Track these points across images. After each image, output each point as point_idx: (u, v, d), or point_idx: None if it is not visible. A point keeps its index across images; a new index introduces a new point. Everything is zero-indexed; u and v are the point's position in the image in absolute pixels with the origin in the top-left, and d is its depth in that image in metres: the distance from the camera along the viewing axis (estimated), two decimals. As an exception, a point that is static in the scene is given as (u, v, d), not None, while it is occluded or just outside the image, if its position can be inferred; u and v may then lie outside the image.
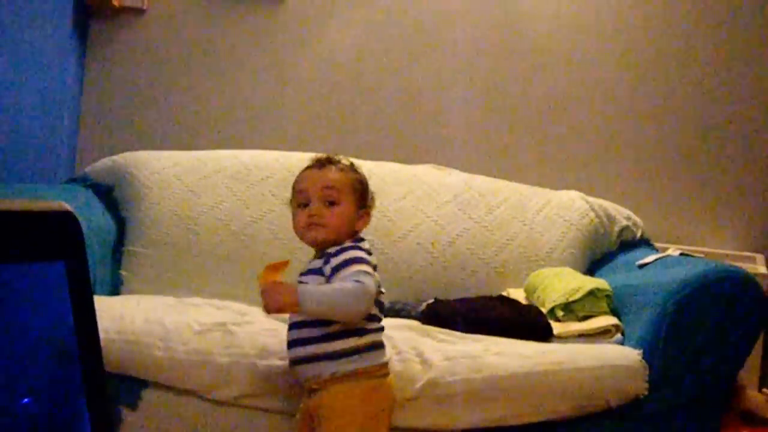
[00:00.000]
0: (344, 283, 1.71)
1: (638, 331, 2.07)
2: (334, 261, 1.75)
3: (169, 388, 1.96)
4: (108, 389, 1.95)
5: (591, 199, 2.77)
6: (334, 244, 1.78)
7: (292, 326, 1.80)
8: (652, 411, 1.96)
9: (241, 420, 1.94)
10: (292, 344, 1.79)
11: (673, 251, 2.42)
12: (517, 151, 3.21)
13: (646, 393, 1.94)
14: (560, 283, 2.37)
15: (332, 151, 2.03)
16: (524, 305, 2.37)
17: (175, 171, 2.69)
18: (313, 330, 1.75)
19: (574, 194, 2.79)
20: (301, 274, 1.81)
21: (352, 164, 1.89)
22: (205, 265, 2.56)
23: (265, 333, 2.01)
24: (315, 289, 1.74)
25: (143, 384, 1.97)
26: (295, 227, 1.84)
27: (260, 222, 2.62)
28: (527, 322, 2.22)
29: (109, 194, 2.66)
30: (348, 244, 1.79)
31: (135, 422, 1.97)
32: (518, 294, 2.51)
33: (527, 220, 2.71)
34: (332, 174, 1.82)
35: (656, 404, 1.96)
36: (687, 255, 2.39)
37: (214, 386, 1.93)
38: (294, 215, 1.84)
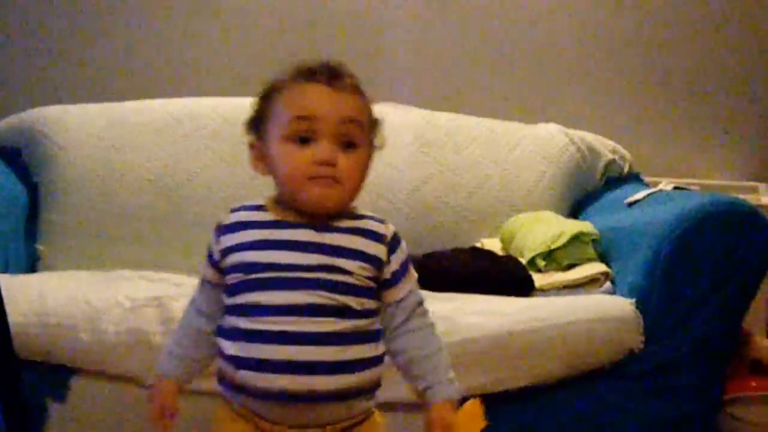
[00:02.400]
0: (423, 319, 1.42)
1: (630, 277, 2.09)
2: (396, 260, 1.40)
3: (100, 375, 1.96)
4: (28, 379, 1.94)
5: (571, 131, 2.77)
6: (341, 206, 1.39)
7: (291, 337, 1.32)
8: (650, 366, 1.99)
9: (187, 405, 1.92)
10: (293, 368, 1.32)
11: (665, 185, 2.42)
12: (483, 80, 3.16)
13: (642, 347, 1.97)
14: (540, 229, 2.39)
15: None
16: (500, 256, 2.38)
17: (93, 127, 2.65)
18: (343, 347, 1.34)
19: (552, 127, 2.79)
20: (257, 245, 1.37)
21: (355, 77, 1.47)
22: (134, 231, 2.54)
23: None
24: (440, 365, 1.40)
25: (71, 372, 1.97)
26: (287, 174, 1.36)
27: (195, 180, 2.60)
28: (505, 276, 2.24)
29: (17, 158, 2.61)
30: (369, 214, 1.44)
31: (64, 415, 1.97)
32: (493, 244, 2.52)
33: (500, 160, 2.71)
34: (353, 99, 1.39)
35: (654, 358, 1.98)
36: (681, 188, 2.41)
37: (149, 370, 1.91)
38: (279, 153, 1.36)
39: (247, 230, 1.39)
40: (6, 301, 1.95)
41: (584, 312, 1.99)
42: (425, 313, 1.43)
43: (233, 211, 1.43)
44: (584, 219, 2.50)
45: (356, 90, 1.41)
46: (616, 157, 2.72)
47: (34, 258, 2.49)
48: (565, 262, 2.30)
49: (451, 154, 2.71)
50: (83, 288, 2.06)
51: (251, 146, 1.43)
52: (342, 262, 1.35)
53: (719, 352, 2.08)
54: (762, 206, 2.62)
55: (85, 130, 2.62)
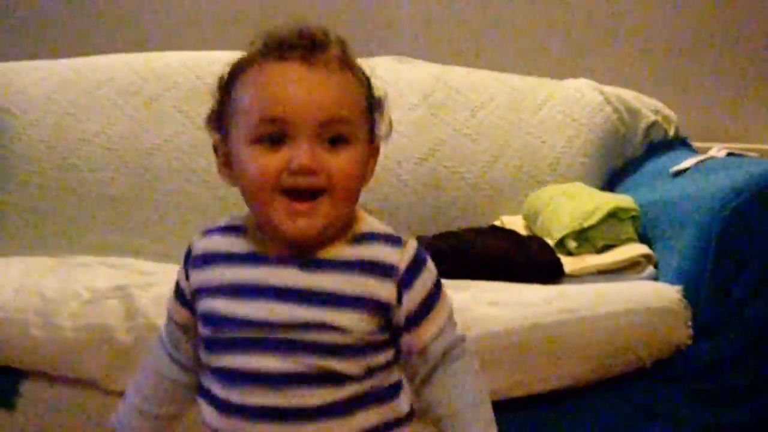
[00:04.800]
0: (455, 365, 1.27)
1: (676, 260, 2.09)
2: (413, 299, 1.24)
3: (54, 378, 1.97)
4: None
5: (607, 88, 2.77)
6: (332, 228, 1.22)
7: (275, 413, 1.22)
8: (700, 366, 1.99)
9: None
10: (263, 414, 1.22)
11: (717, 151, 2.44)
12: (503, 29, 3.17)
13: (690, 342, 1.97)
14: (571, 205, 2.39)
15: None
16: (524, 237, 2.39)
17: (46, 87, 2.67)
18: (345, 420, 1.23)
19: (583, 84, 2.79)
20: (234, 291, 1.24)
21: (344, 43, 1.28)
22: (93, 210, 2.55)
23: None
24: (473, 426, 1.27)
25: (20, 375, 1.98)
26: (251, 186, 1.21)
27: (163, 149, 2.61)
28: (529, 260, 2.24)
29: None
30: (380, 231, 1.27)
31: (13, 425, 1.99)
32: (515, 222, 2.52)
33: (523, 123, 2.72)
34: (339, 84, 1.22)
35: (704, 356, 1.99)
36: (735, 155, 2.42)
37: (113, 372, 1.93)
38: (242, 158, 1.21)
39: (218, 266, 1.26)
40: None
41: (622, 302, 1.98)
42: (460, 356, 1.27)
43: (207, 233, 1.31)
44: (622, 192, 2.50)
45: (344, 65, 1.23)
46: (660, 119, 2.73)
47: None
48: (600, 243, 2.30)
49: (466, 117, 2.71)
50: (34, 276, 2.08)
51: (215, 149, 1.29)
52: (336, 317, 1.19)
53: None
54: None
55: (37, 92, 2.65)
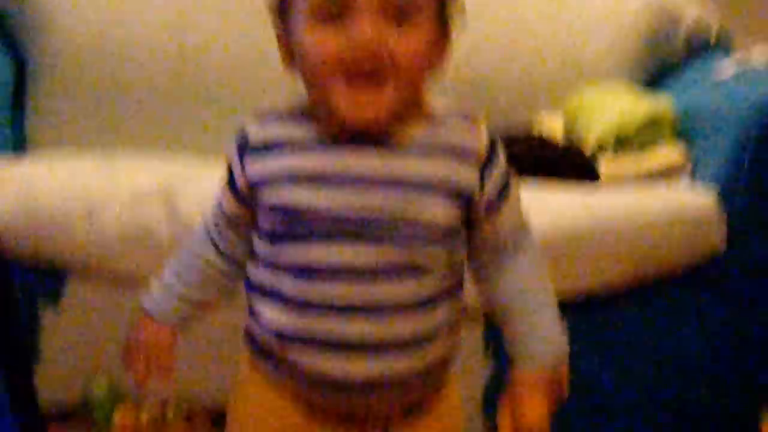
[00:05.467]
0: (525, 256, 1.22)
1: (712, 167, 2.09)
2: (493, 184, 1.16)
3: (99, 276, 2.01)
4: (17, 285, 1.98)
5: None
6: (398, 116, 1.11)
7: (357, 309, 1.13)
8: (734, 271, 2.01)
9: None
10: (361, 349, 1.14)
11: (760, 55, 2.39)
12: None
13: (725, 249, 1.98)
14: (611, 107, 2.37)
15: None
16: (558, 144, 2.37)
17: None
18: (419, 317, 1.15)
19: None
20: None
21: None
22: (135, 109, 2.54)
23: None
24: (542, 319, 1.23)
25: (65, 274, 2.01)
26: (309, 68, 1.10)
27: (207, 46, 2.59)
28: (563, 165, 2.24)
29: (2, 27, 2.60)
30: (450, 111, 1.18)
31: (57, 322, 2.03)
32: (555, 120, 2.51)
33: (563, 21, 2.69)
34: None
35: (738, 262, 2.00)
36: None
37: (155, 268, 1.94)
38: (301, 39, 1.10)
39: (284, 154, 1.12)
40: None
41: (659, 207, 1.99)
42: (529, 246, 1.22)
43: (261, 118, 1.17)
44: (663, 95, 2.47)
45: None
46: (702, 22, 2.68)
47: (22, 142, 2.52)
48: (640, 146, 2.29)
49: (505, 13, 2.68)
50: (79, 177, 2.08)
51: (278, 38, 1.17)
52: (425, 206, 1.10)
53: None
54: None
55: None
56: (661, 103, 2.35)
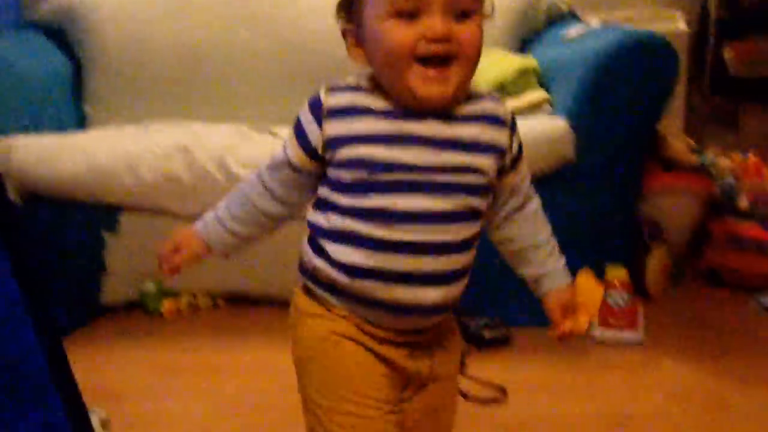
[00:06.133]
0: (534, 203, 1.11)
1: (565, 101, 2.09)
2: (516, 144, 1.07)
3: (143, 210, 2.01)
4: (86, 217, 1.99)
5: None
6: (460, 92, 1.02)
7: (427, 248, 1.01)
8: (582, 172, 2.01)
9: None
10: (424, 281, 1.02)
11: (595, 23, 2.39)
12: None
13: (574, 156, 1.99)
14: (492, 65, 2.34)
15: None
16: None
17: (124, 3, 2.58)
18: (466, 254, 1.05)
19: None
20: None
21: None
22: (163, 90, 2.50)
23: (224, 149, 2.02)
24: (554, 252, 1.12)
25: (120, 210, 2.02)
26: (387, 54, 0.97)
27: (212, 43, 2.55)
28: None
29: (61, 34, 2.56)
30: (483, 93, 1.07)
31: (117, 244, 2.04)
32: None
33: None
34: None
35: (585, 166, 2.00)
36: (608, 25, 2.37)
37: (184, 204, 1.97)
38: (378, 31, 0.98)
39: (362, 118, 1.00)
40: (60, 154, 1.98)
41: (530, 131, 1.90)
42: (535, 195, 1.11)
43: (333, 90, 1.03)
44: (530, 55, 2.46)
45: None
46: (557, 1, 2.65)
47: (82, 120, 2.48)
48: (515, 91, 2.25)
49: None
50: (122, 141, 2.09)
51: (344, 33, 1.05)
52: (478, 161, 1.01)
53: (638, 155, 2.12)
54: (678, 33, 2.61)
55: (117, 7, 2.56)
56: (529, 60, 2.33)
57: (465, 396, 1.63)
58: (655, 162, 2.22)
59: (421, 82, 0.96)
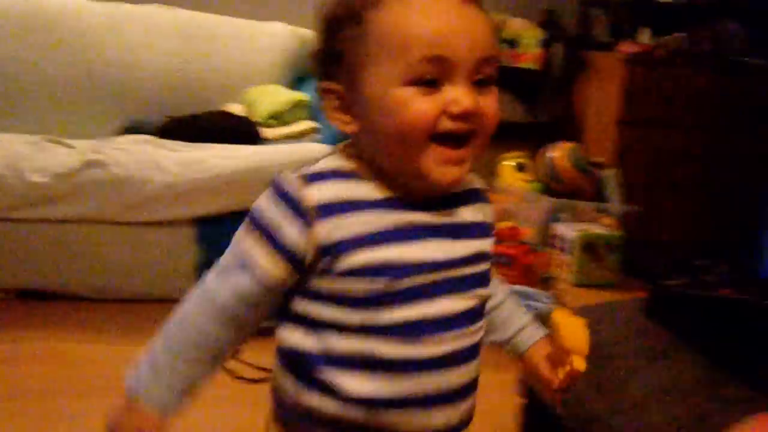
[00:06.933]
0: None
1: (329, 131, 2.27)
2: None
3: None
4: None
5: (292, 27, 2.82)
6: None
7: (454, 359, 0.81)
8: None
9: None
10: (451, 398, 0.81)
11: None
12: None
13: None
14: (270, 97, 2.51)
15: None
16: (239, 117, 2.47)
17: None
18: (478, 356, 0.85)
19: (279, 26, 2.83)
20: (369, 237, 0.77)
21: None
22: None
23: (18, 156, 2.08)
24: (526, 313, 0.94)
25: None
26: (399, 131, 0.74)
27: (26, 67, 2.54)
28: (242, 130, 2.35)
29: None
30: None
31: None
32: (238, 108, 2.58)
33: (243, 48, 2.75)
34: (484, 19, 0.78)
35: None
36: None
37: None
38: (389, 101, 0.74)
39: (362, 213, 0.77)
40: None
41: (297, 155, 2.17)
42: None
43: (311, 180, 0.77)
44: (302, 90, 2.60)
45: (480, 1, 0.79)
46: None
47: None
48: (289, 121, 2.42)
49: (205, 44, 2.73)
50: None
51: (324, 90, 0.79)
52: (484, 245, 0.84)
53: None
54: None
55: None
56: (300, 95, 2.50)
57: (235, 376, 1.76)
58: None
59: (436, 164, 0.75)
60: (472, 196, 0.85)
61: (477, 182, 0.87)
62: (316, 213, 0.75)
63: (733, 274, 1.21)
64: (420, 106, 0.73)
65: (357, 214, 0.76)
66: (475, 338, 0.82)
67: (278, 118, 2.43)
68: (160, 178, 2.07)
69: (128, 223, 2.11)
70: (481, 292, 0.83)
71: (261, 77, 2.72)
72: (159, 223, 2.12)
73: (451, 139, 0.75)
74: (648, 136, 2.75)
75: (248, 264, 0.77)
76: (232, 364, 1.85)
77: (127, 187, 2.06)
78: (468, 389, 0.82)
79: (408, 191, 0.78)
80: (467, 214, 0.83)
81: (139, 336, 1.86)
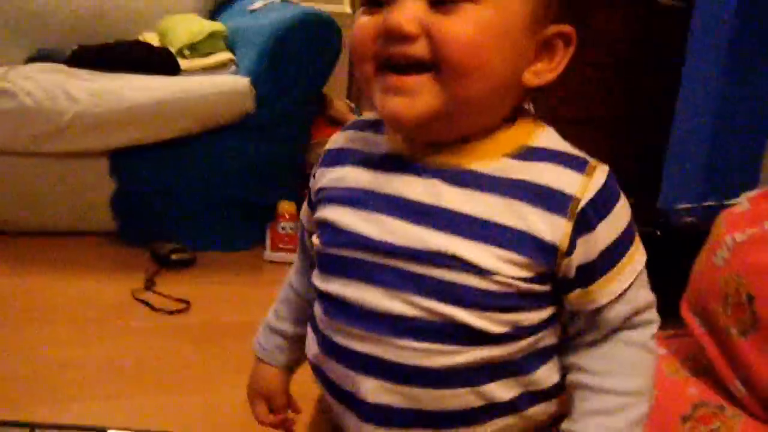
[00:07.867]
0: (639, 335, 0.67)
1: (248, 63, 2.23)
2: (591, 245, 0.64)
3: None
4: None
5: None
6: (450, 122, 0.64)
7: (381, 368, 0.65)
8: (260, 123, 2.17)
9: None
10: (383, 419, 0.67)
11: (272, -2, 2.56)
12: None
13: (254, 109, 2.14)
14: (186, 27, 2.45)
15: None
16: (155, 47, 2.42)
17: None
18: (465, 389, 0.66)
19: None
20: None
21: None
22: None
23: None
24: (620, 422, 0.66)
25: None
26: (353, 62, 0.66)
27: None
28: (158, 61, 2.28)
29: None
30: (558, 148, 0.67)
31: None
32: (152, 37, 2.55)
33: None
34: None
35: (264, 117, 2.17)
36: (286, 1, 2.54)
37: None
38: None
39: (348, 167, 0.70)
40: None
41: (215, 86, 2.11)
42: (640, 325, 0.67)
43: (347, 127, 0.75)
44: (219, 21, 2.57)
45: None
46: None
47: None
48: (204, 52, 2.38)
49: None
50: None
51: None
52: (474, 251, 0.62)
53: (308, 112, 2.34)
54: (343, 14, 2.86)
55: None
56: (218, 25, 2.46)
57: (153, 308, 1.76)
58: (322, 118, 2.45)
59: (379, 93, 0.63)
60: (529, 192, 0.63)
61: (568, 181, 0.63)
62: (324, 159, 0.74)
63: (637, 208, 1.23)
64: (357, 30, 0.64)
65: (345, 167, 0.70)
66: (436, 361, 0.63)
67: (194, 48, 2.40)
68: (72, 108, 2.00)
69: (40, 154, 2.03)
70: (447, 309, 0.62)
71: (176, 5, 2.66)
72: (72, 155, 2.05)
73: (391, 67, 0.62)
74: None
75: (304, 206, 0.80)
76: (151, 296, 1.84)
77: (38, 117, 1.98)
78: (427, 419, 0.66)
79: (412, 146, 0.67)
80: (483, 204, 0.63)
81: (52, 269, 1.88)
